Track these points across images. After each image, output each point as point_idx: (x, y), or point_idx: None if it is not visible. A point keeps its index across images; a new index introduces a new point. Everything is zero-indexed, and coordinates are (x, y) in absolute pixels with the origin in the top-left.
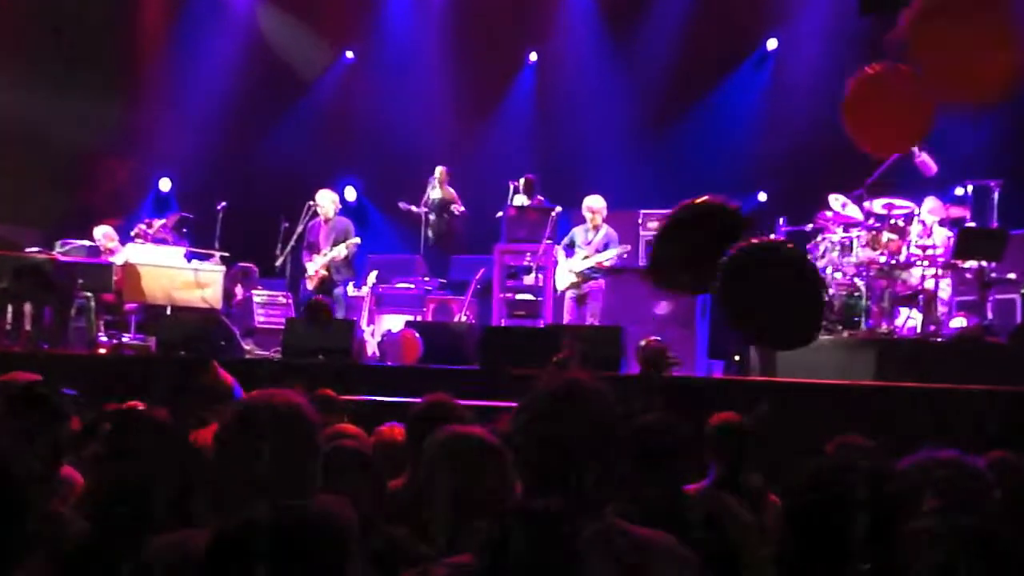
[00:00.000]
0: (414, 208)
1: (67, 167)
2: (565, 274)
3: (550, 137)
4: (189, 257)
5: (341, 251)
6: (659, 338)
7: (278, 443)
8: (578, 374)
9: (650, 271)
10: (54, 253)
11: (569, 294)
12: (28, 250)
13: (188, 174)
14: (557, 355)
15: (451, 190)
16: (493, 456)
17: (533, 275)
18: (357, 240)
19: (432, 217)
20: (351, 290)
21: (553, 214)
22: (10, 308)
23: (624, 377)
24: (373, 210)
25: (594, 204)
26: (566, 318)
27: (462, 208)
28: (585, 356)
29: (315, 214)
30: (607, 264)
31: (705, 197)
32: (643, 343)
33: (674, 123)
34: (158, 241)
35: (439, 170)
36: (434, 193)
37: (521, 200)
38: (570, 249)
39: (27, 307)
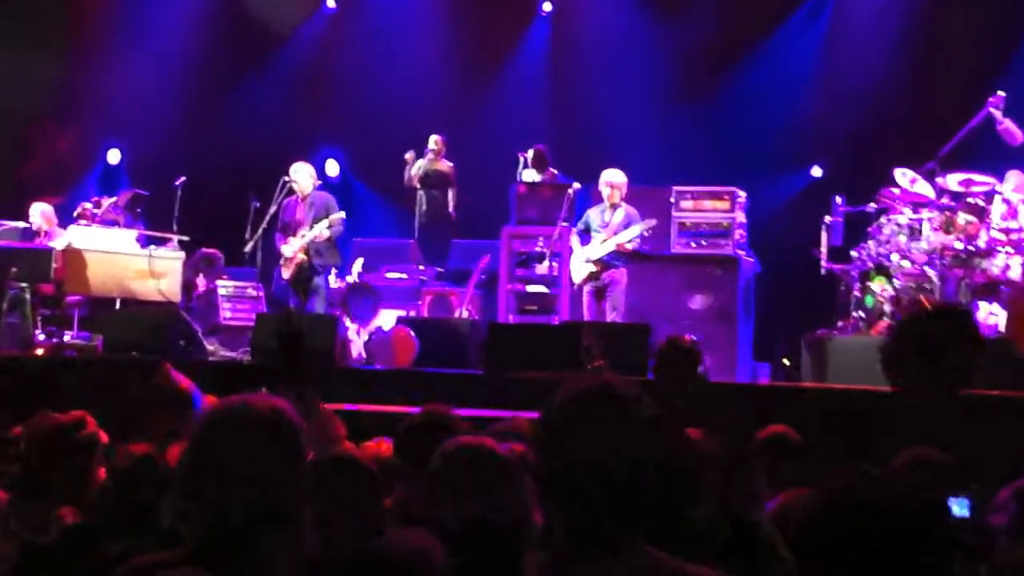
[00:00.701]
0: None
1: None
2: (581, 264)
3: (566, 101)
4: (143, 242)
5: (323, 229)
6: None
7: (261, 452)
8: (610, 379)
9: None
10: None
11: (587, 288)
12: None
13: (141, 144)
14: (589, 359)
15: (448, 163)
16: (509, 474)
17: (547, 263)
18: (342, 214)
19: (425, 194)
20: (333, 280)
21: (570, 191)
22: None
23: (653, 383)
24: (359, 187)
25: (613, 178)
26: (585, 315)
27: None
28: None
29: (291, 191)
30: (629, 246)
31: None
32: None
33: (713, 84)
34: (106, 223)
35: (434, 139)
36: (429, 166)
37: (532, 175)
38: (585, 235)
39: None
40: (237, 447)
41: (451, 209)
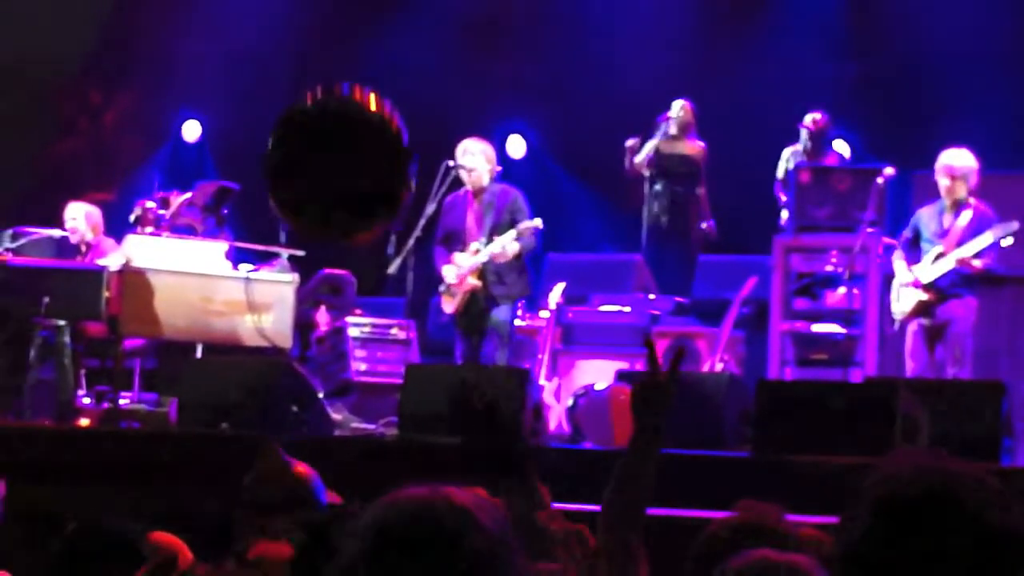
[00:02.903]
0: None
1: (17, 103)
2: (905, 291)
3: (866, 47)
4: (235, 258)
5: (506, 244)
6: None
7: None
8: (949, 465)
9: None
10: (0, 251)
11: (912, 326)
12: None
13: (231, 114)
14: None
15: (698, 143)
16: None
17: (843, 290)
18: (535, 223)
19: (661, 188)
20: (519, 316)
21: (880, 179)
22: None
23: (1011, 470)
24: (558, 175)
25: (955, 163)
26: (909, 366)
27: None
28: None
29: (456, 183)
30: (978, 264)
31: None
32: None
33: None
34: (179, 230)
35: (679, 106)
36: (667, 147)
37: (812, 155)
38: (913, 248)
39: None
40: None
41: (701, 211)
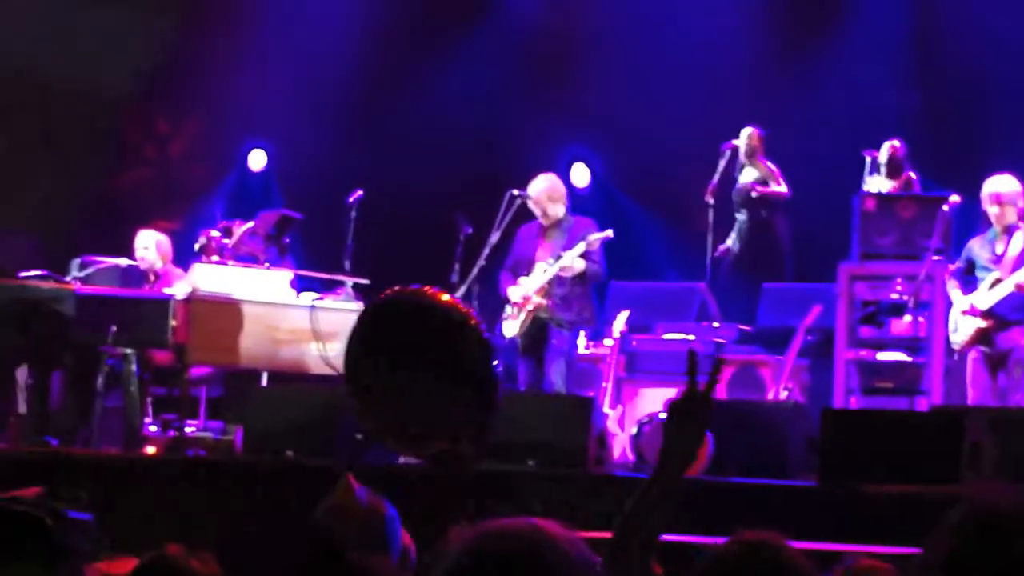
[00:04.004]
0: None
1: (85, 131)
2: (965, 320)
3: (931, 76)
4: (299, 287)
5: (576, 258)
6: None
7: None
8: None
9: None
10: (68, 280)
11: (972, 354)
12: (23, 275)
13: (296, 143)
14: (979, 466)
15: (769, 165)
16: None
17: (908, 318)
18: (607, 233)
19: (737, 216)
20: (583, 343)
21: (945, 207)
22: None
23: None
24: (622, 202)
25: (1001, 189)
26: (971, 395)
27: (783, 189)
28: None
29: (521, 210)
30: None
31: None
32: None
33: None
34: (242, 259)
35: (747, 133)
36: (742, 175)
37: (881, 183)
38: (968, 279)
39: (21, 374)
40: None
41: (779, 231)
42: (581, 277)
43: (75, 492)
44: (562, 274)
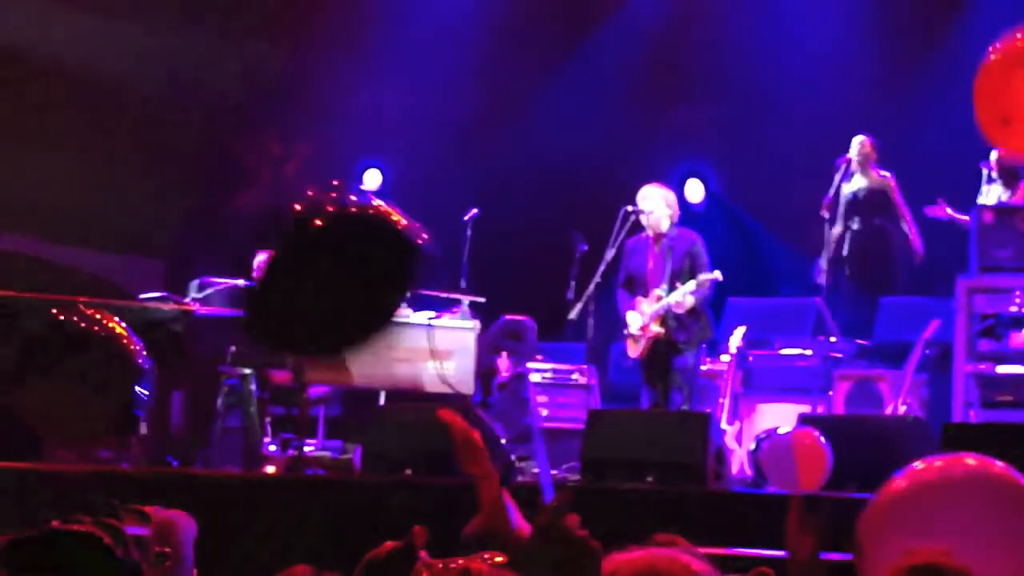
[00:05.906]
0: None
1: (202, 155)
2: None
3: None
4: (415, 306)
5: (685, 295)
6: None
7: None
8: None
9: None
10: (187, 301)
11: None
12: (142, 297)
13: (410, 161)
14: None
15: (885, 174)
16: None
17: None
18: (714, 275)
19: (850, 225)
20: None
21: None
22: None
23: None
24: (737, 217)
25: None
26: None
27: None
28: None
29: (636, 227)
30: None
31: None
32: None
33: None
34: None
35: (859, 141)
36: (851, 184)
37: (999, 192)
38: None
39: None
40: None
41: (894, 243)
42: (693, 308)
43: (138, 510)
44: (675, 309)
